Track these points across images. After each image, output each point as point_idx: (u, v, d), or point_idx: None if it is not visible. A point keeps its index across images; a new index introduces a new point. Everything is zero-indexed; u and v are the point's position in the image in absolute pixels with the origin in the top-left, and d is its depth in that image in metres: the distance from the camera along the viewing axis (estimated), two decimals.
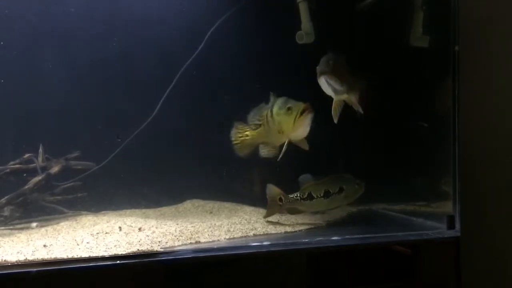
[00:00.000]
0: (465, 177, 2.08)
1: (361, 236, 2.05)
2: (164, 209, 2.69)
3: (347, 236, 2.02)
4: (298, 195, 2.23)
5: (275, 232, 2.16)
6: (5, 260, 1.69)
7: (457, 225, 2.07)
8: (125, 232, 2.04)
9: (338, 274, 2.08)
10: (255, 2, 2.70)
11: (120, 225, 2.12)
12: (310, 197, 2.24)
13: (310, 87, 2.13)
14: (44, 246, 1.84)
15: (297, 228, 2.22)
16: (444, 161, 2.16)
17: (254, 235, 2.10)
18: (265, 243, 1.92)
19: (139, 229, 2.08)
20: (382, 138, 2.63)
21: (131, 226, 2.13)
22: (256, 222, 2.26)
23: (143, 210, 2.65)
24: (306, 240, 1.96)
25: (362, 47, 2.70)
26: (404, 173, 2.54)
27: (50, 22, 2.56)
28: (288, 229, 2.19)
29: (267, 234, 2.13)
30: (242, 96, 2.61)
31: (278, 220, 2.32)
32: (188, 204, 2.76)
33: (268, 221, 2.27)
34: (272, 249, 1.88)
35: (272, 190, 2.21)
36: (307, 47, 2.52)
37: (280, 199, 2.21)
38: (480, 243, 2.26)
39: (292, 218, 2.35)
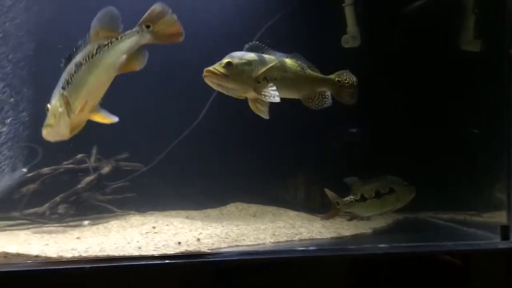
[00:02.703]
0: None
1: (408, 244, 2.00)
2: (209, 211, 2.74)
3: (394, 244, 1.98)
4: (352, 197, 2.21)
5: (320, 237, 2.15)
6: (61, 256, 1.76)
7: None
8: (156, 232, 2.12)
9: (383, 283, 2.03)
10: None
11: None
12: (363, 198, 2.22)
13: None
14: (78, 238, 1.95)
15: (343, 234, 2.19)
16: (497, 167, 2.09)
17: (300, 239, 2.09)
18: (311, 248, 1.91)
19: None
20: (431, 143, 2.57)
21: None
22: (301, 227, 2.25)
23: (188, 212, 2.70)
24: (353, 247, 1.94)
25: (411, 50, 2.64)
26: (453, 180, 2.47)
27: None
28: (334, 234, 2.18)
29: (312, 239, 2.12)
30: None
31: (323, 225, 2.31)
32: (231, 207, 2.79)
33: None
34: (318, 254, 1.87)
35: (329, 194, 2.21)
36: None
37: (337, 203, 2.19)
38: None
39: (337, 224, 2.33)
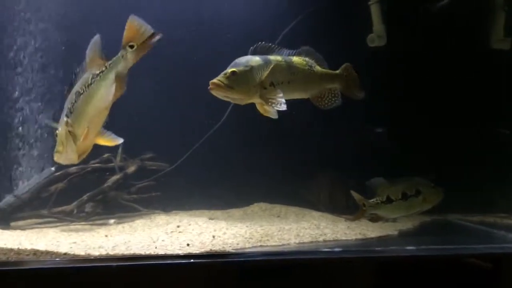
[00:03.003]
0: None
1: (437, 247, 1.96)
2: (232, 211, 2.74)
3: (422, 246, 1.94)
4: (378, 199, 2.17)
5: (345, 238, 2.12)
6: (88, 254, 1.79)
7: None
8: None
9: (409, 286, 1.99)
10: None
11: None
12: (389, 200, 2.18)
13: None
14: (106, 236, 2.00)
15: (368, 235, 2.16)
16: None
17: (324, 240, 2.07)
18: (336, 249, 1.89)
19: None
20: (460, 144, 2.51)
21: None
22: (326, 227, 2.23)
23: (212, 212, 2.71)
24: (379, 249, 1.91)
25: (440, 49, 2.59)
26: (483, 181, 2.41)
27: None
28: (359, 236, 2.15)
29: (337, 240, 2.10)
30: None
31: (348, 226, 2.28)
32: (255, 207, 2.78)
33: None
34: (344, 255, 1.85)
35: (355, 196, 2.17)
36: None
37: (363, 205, 2.16)
38: None
39: (362, 225, 2.30)
